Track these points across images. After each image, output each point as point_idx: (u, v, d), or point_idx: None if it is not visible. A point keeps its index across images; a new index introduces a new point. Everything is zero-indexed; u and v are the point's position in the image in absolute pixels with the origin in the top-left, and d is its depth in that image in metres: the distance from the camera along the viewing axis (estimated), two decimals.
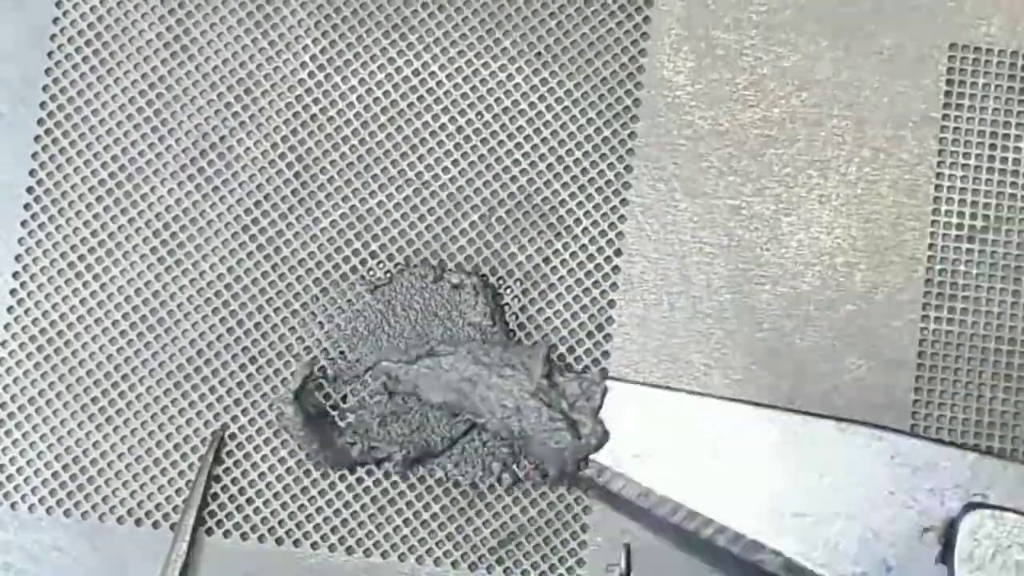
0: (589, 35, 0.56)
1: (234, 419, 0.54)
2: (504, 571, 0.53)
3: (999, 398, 0.54)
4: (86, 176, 0.55)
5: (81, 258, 0.55)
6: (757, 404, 0.51)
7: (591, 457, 0.51)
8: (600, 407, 0.51)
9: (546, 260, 0.55)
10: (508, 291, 0.55)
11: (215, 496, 0.54)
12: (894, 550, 0.48)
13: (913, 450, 0.49)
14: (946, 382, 0.54)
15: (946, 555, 0.48)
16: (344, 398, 0.54)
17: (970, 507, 0.48)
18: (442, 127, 0.56)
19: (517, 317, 0.54)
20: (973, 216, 0.55)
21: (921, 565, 0.48)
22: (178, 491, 0.54)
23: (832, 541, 0.48)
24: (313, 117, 0.56)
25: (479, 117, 0.56)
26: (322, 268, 0.55)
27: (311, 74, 0.56)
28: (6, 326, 0.55)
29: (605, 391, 0.51)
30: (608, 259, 0.55)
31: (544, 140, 0.56)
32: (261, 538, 0.53)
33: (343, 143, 0.56)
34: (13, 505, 0.54)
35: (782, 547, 0.48)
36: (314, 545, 0.53)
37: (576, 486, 0.53)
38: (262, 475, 0.54)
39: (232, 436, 0.54)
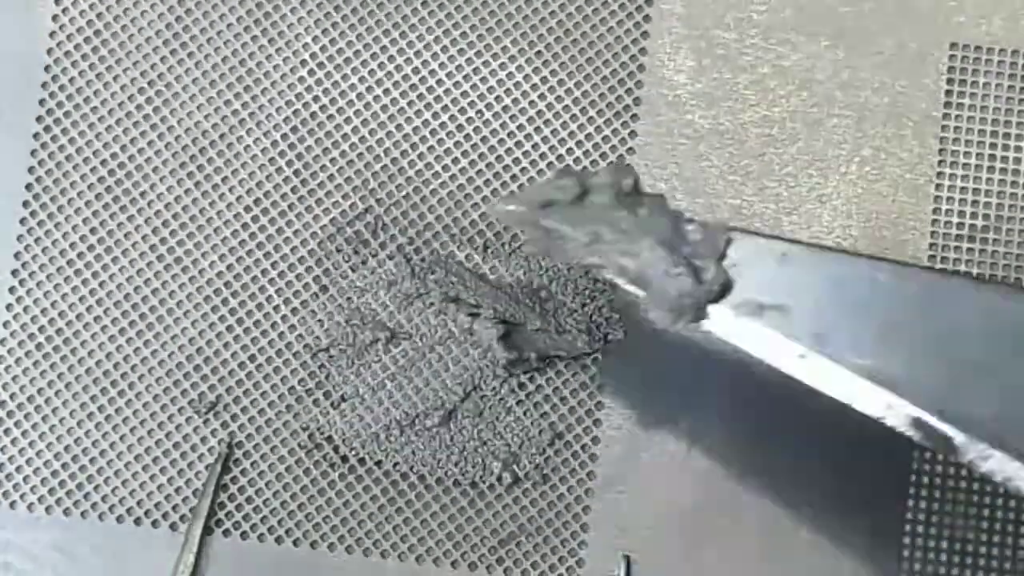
0: (589, 35, 0.56)
1: (234, 418, 0.54)
2: (504, 571, 0.53)
3: None
4: (85, 175, 0.55)
5: (80, 256, 0.55)
6: (891, 261, 0.47)
7: (709, 307, 0.46)
8: (724, 256, 0.46)
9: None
10: None
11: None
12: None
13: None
14: None
15: None
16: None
17: None
18: (442, 126, 0.56)
19: None
20: (973, 216, 0.55)
21: None
22: (178, 490, 0.54)
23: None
24: (313, 116, 0.56)
25: (479, 117, 0.56)
26: (322, 267, 0.55)
27: (311, 73, 0.56)
28: (5, 324, 0.54)
29: (729, 240, 0.47)
30: None
31: (544, 140, 0.56)
32: (261, 537, 0.53)
33: (343, 142, 0.56)
34: (12, 505, 0.54)
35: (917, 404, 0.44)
36: (314, 544, 0.53)
37: (684, 333, 0.49)
38: (262, 474, 0.54)
39: (231, 435, 0.54)
